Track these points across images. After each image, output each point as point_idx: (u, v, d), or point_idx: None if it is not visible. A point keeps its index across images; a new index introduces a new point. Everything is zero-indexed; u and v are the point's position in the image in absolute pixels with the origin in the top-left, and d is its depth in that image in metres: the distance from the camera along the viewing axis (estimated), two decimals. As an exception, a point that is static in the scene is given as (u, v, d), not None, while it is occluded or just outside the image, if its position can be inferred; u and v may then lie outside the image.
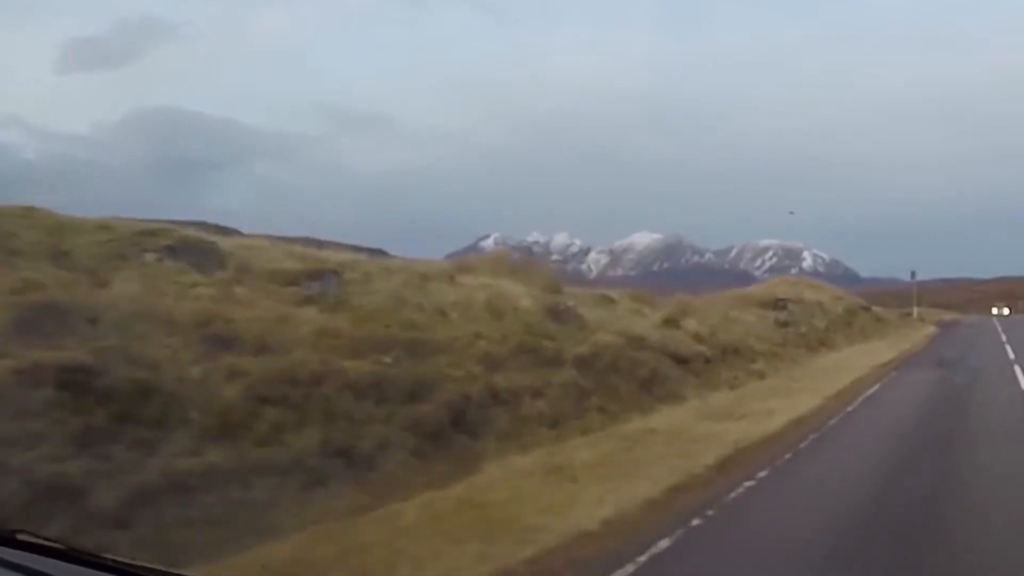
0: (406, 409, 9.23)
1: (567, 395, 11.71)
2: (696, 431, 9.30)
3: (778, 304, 28.45)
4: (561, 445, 8.78)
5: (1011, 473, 7.58)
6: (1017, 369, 18.79)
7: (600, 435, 9.29)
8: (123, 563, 2.02)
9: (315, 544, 5.37)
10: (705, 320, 19.90)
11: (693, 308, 20.44)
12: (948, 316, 69.53)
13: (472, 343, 11.20)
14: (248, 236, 12.63)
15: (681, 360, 15.85)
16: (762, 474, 7.67)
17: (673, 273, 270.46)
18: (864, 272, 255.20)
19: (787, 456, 8.63)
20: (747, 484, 7.24)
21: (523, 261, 20.67)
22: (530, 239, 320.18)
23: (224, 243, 11.31)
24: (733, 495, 6.89)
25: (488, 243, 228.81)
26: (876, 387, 16.00)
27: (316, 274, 10.79)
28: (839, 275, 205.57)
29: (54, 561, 1.92)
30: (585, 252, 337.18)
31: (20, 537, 2.00)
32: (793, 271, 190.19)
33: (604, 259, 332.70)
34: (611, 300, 18.16)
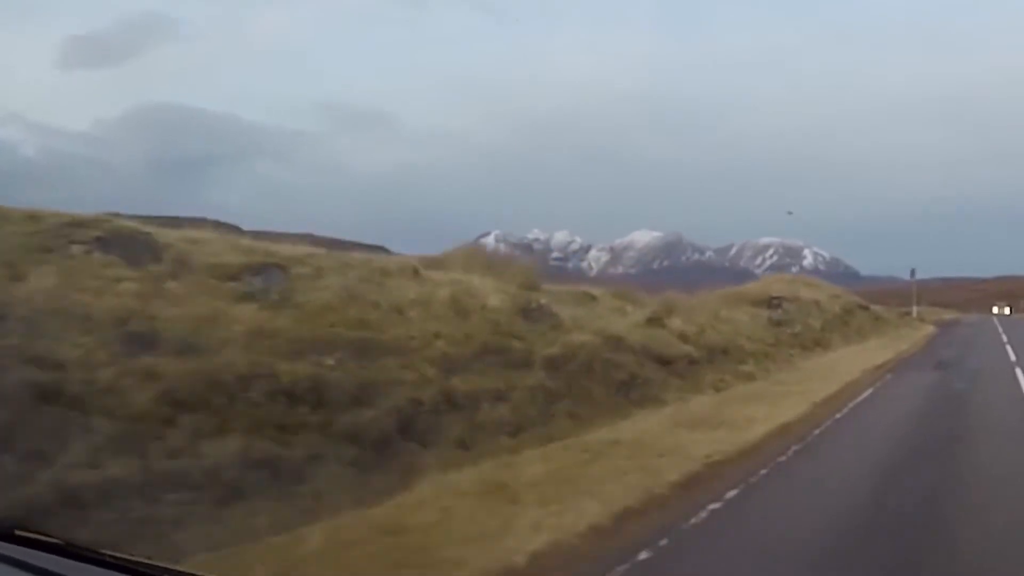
0: (347, 416, 8.46)
1: (534, 399, 10.89)
2: (665, 442, 8.44)
3: (772, 302, 27.52)
4: (514, 457, 7.95)
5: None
6: (1018, 371, 18.04)
7: (559, 446, 8.44)
8: (120, 558, 2.02)
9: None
10: (693, 319, 19.04)
11: (681, 306, 19.57)
12: (948, 315, 68.89)
13: (429, 343, 10.38)
14: (194, 228, 11.71)
15: (664, 361, 15.03)
16: (731, 494, 6.80)
17: (673, 271, 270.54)
18: (864, 270, 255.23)
19: (763, 472, 7.75)
20: (712, 507, 6.37)
21: (499, 256, 19.82)
22: (531, 236, 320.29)
23: (164, 235, 10.47)
24: (694, 520, 6.03)
25: (489, 240, 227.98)
26: (868, 391, 15.15)
27: (259, 268, 9.96)
28: (839, 273, 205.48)
29: (52, 556, 1.93)
30: (586, 250, 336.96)
31: (18, 532, 2.03)
32: (794, 269, 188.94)
33: (605, 257, 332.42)
34: (592, 298, 17.32)
